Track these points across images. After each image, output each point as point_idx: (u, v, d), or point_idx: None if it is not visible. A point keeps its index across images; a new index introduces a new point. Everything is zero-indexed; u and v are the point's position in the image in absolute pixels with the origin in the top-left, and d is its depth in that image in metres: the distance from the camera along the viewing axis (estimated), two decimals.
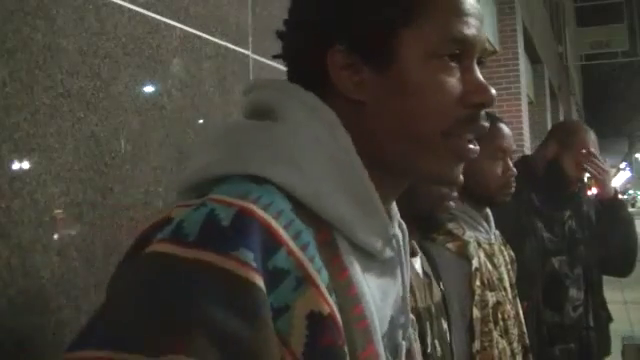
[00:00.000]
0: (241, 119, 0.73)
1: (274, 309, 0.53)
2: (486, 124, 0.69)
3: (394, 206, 0.77)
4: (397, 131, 0.66)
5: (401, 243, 0.73)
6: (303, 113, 0.66)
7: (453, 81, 0.66)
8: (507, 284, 1.59)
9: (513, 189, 1.68)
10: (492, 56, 7.01)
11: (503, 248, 1.70)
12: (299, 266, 0.56)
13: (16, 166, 0.93)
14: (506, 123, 1.77)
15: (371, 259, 0.67)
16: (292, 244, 0.56)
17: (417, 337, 0.78)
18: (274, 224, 0.56)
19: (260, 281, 0.52)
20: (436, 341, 1.21)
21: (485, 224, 1.65)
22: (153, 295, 0.50)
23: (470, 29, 0.66)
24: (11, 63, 0.93)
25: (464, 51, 0.67)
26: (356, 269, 0.63)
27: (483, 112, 0.68)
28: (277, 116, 0.67)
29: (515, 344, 1.52)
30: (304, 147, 0.63)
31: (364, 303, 0.63)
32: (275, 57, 0.73)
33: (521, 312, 1.64)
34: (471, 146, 0.68)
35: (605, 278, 2.62)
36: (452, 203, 1.26)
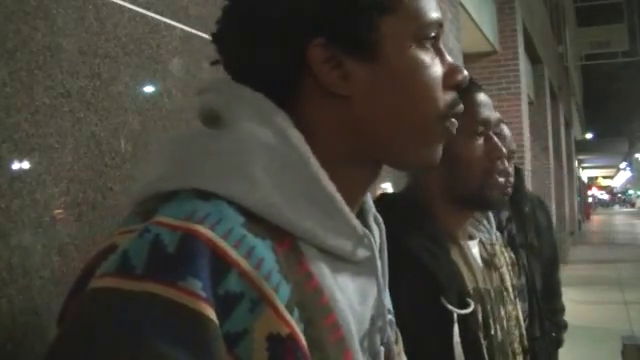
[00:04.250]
0: (192, 127, 0.69)
1: (231, 335, 0.50)
2: (462, 105, 0.70)
3: (368, 199, 0.74)
4: (389, 122, 0.64)
5: (376, 240, 0.70)
6: (250, 118, 0.62)
7: (437, 65, 0.66)
8: (508, 284, 1.59)
9: (509, 190, 1.67)
10: (492, 56, 7.02)
11: (504, 249, 1.70)
12: (253, 286, 0.52)
13: (16, 166, 0.93)
14: (506, 123, 1.77)
15: (344, 261, 0.64)
16: (244, 263, 0.53)
17: (397, 335, 0.75)
18: (223, 244, 0.52)
19: (210, 311, 0.49)
20: (498, 325, 1.19)
21: (486, 224, 1.65)
22: (102, 335, 0.48)
23: (438, 11, 0.67)
24: (11, 63, 0.93)
25: (436, 35, 0.67)
26: (326, 275, 0.60)
27: (456, 94, 0.69)
28: (224, 122, 0.63)
29: (516, 344, 1.52)
30: (253, 155, 0.59)
31: (337, 311, 0.60)
32: (213, 64, 0.68)
33: (521, 314, 1.64)
34: (452, 127, 0.69)
35: (605, 278, 2.60)
36: (502, 179, 1.22)
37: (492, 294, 1.21)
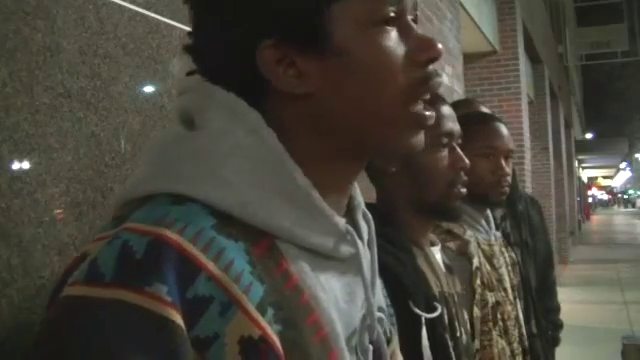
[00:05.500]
0: (170, 128, 0.67)
1: (201, 340, 0.50)
2: (440, 79, 0.66)
3: (357, 195, 0.72)
4: (355, 113, 0.61)
5: (364, 236, 0.69)
6: (223, 118, 0.61)
7: (396, 45, 0.62)
8: (507, 285, 1.59)
9: (506, 189, 1.67)
10: (492, 56, 7.02)
11: (504, 249, 1.70)
12: (223, 289, 0.52)
13: (16, 166, 0.93)
14: (504, 123, 1.77)
15: (327, 259, 0.63)
16: (213, 266, 0.52)
17: (392, 333, 0.74)
18: (191, 248, 0.52)
19: (177, 316, 0.49)
20: (462, 329, 1.22)
21: (485, 224, 1.65)
22: (69, 346, 0.48)
23: None
24: (11, 63, 0.93)
25: (397, 11, 0.62)
26: (307, 274, 0.59)
27: (432, 68, 0.64)
28: (197, 124, 0.62)
29: (515, 344, 1.52)
30: (226, 156, 0.59)
31: (320, 310, 0.58)
32: (189, 74, 0.67)
33: (521, 314, 1.64)
34: (428, 112, 0.65)
35: (605, 278, 2.60)
36: (463, 190, 1.24)
37: (455, 298, 1.24)
